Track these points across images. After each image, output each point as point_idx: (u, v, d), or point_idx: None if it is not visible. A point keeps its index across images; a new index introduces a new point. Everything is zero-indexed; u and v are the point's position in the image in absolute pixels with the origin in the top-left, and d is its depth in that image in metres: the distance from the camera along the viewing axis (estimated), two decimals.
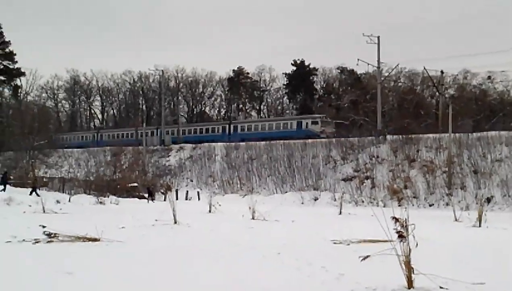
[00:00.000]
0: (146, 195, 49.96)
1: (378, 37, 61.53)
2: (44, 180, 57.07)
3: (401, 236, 8.46)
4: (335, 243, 15.00)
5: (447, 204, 45.02)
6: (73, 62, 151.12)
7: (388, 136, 58.61)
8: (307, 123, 70.25)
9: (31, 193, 40.33)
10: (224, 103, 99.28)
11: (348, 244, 14.66)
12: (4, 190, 41.65)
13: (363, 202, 50.25)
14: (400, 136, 56.99)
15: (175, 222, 20.69)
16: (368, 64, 64.18)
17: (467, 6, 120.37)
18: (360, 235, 15.69)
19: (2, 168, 62.61)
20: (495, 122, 61.12)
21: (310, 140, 62.81)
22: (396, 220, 8.63)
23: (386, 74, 68.56)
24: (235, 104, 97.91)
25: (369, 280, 8.96)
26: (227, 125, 77.21)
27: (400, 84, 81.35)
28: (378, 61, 62.68)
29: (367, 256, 9.14)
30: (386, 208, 10.39)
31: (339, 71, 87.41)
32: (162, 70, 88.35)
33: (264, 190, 59.16)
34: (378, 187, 52.28)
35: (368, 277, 9.19)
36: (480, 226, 23.01)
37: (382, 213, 8.95)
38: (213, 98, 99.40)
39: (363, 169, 55.62)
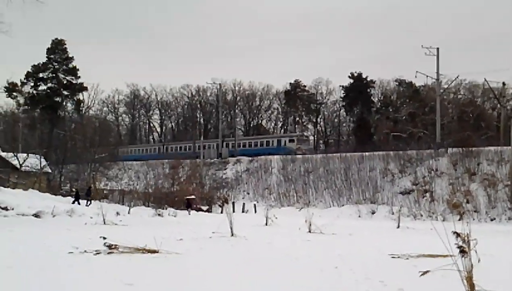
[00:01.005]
0: (187, 207, 49.76)
1: (437, 49, 60.64)
2: (105, 192, 58.25)
3: (463, 251, 8.25)
4: (393, 257, 14.76)
5: (510, 218, 43.89)
6: (133, 77, 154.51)
7: (448, 149, 57.52)
8: (285, 141, 72.77)
9: (73, 202, 41.29)
10: (280, 116, 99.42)
11: (407, 258, 14.40)
12: (89, 204, 42.77)
13: (421, 216, 49.39)
14: (460, 149, 55.86)
15: (232, 235, 20.76)
16: (427, 76, 63.34)
17: None
18: (419, 249, 15.40)
19: (65, 180, 64.29)
20: None
21: (367, 153, 62.23)
22: (457, 234, 8.43)
23: (445, 86, 67.40)
24: (292, 117, 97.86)
25: None
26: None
27: (460, 96, 79.78)
28: (437, 73, 61.73)
29: (427, 271, 8.93)
30: (446, 222, 10.14)
31: (397, 83, 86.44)
32: (220, 84, 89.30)
33: (321, 203, 58.89)
34: (437, 201, 51.30)
35: None
36: None
37: (441, 227, 8.74)
38: (269, 111, 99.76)
39: (422, 182, 54.71)
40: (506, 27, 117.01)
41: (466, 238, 8.34)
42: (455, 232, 8.49)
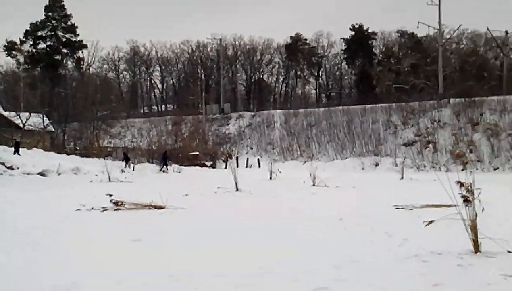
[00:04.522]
0: (123, 161, 43.14)
1: None
2: (108, 149, 58.43)
3: (466, 200, 8.33)
4: (397, 208, 14.91)
5: None
6: (133, 33, 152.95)
7: (450, 100, 57.39)
8: None
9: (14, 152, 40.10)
10: (282, 70, 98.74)
11: (411, 209, 14.55)
12: (166, 169, 42.12)
13: (425, 167, 49.65)
14: (463, 99, 55.79)
15: (237, 189, 20.95)
16: (429, 26, 62.80)
17: None
18: (423, 200, 15.53)
19: (69, 138, 64.41)
20: None
21: (369, 105, 62.11)
22: (461, 184, 8.49)
23: (448, 36, 66.79)
24: (293, 71, 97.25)
25: (434, 245, 8.87)
26: None
27: (462, 46, 79.05)
28: (439, 23, 61.18)
29: (432, 221, 9.01)
30: (449, 173, 10.21)
31: (398, 34, 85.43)
32: (220, 39, 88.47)
33: (324, 156, 59.11)
34: (440, 152, 51.48)
35: (432, 242, 9.10)
36: None
37: (445, 177, 8.80)
38: (271, 66, 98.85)
39: (425, 133, 54.81)
40: None
41: (469, 187, 8.41)
42: (458, 182, 8.56)
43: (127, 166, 40.41)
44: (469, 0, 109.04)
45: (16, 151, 39.28)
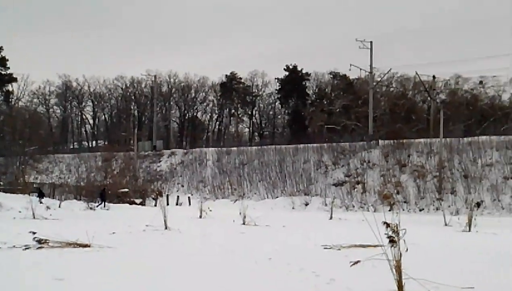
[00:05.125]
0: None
1: (371, 42, 61.87)
2: (34, 185, 56.77)
3: (392, 241, 8.47)
4: (326, 248, 15.01)
5: (437, 209, 45.30)
6: (66, 68, 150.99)
7: (380, 141, 58.79)
8: None
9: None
10: (216, 108, 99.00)
11: (339, 249, 14.67)
12: (103, 206, 41.21)
13: (353, 206, 50.40)
14: (392, 141, 57.19)
15: (166, 228, 20.66)
16: (361, 69, 64.57)
17: (459, 13, 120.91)
18: (351, 240, 15.72)
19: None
20: (486, 127, 61.47)
21: (301, 145, 62.86)
22: (387, 225, 8.64)
23: (378, 79, 68.81)
24: (227, 110, 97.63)
25: (359, 285, 8.96)
26: None
27: (392, 89, 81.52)
28: (371, 66, 63.00)
29: (358, 261, 9.15)
30: (377, 213, 10.38)
31: (331, 76, 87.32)
32: (155, 76, 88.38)
33: (255, 195, 59.20)
34: (369, 192, 52.43)
35: (359, 282, 9.19)
36: (469, 230, 23.16)
37: (372, 218, 8.94)
38: (205, 104, 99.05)
39: (354, 173, 55.78)
40: (436, 21, 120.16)
41: (395, 228, 8.56)
42: (385, 222, 8.71)
43: (40, 201, 39.02)
44: (399, 45, 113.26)
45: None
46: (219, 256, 13.35)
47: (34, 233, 15.28)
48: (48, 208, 33.99)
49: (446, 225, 27.49)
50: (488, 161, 49.58)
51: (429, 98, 68.16)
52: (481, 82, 75.33)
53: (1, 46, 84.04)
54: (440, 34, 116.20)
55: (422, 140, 56.32)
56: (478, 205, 43.64)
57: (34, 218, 26.01)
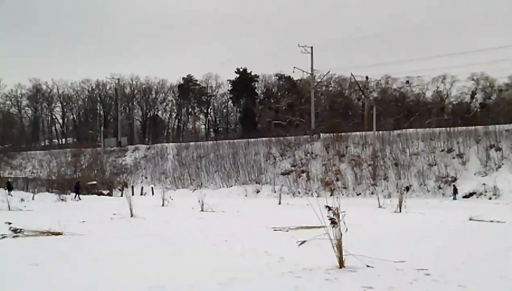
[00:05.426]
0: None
1: (312, 48, 62.20)
2: (9, 180, 55.33)
3: (333, 222, 8.59)
4: (275, 230, 15.09)
5: (372, 193, 45.95)
6: (35, 72, 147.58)
7: (321, 135, 59.35)
8: None
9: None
10: (175, 108, 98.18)
11: (287, 231, 14.77)
12: (78, 197, 40.43)
13: (299, 193, 50.74)
14: (332, 134, 57.77)
15: (132, 216, 20.41)
16: (303, 71, 64.91)
17: (387, 23, 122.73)
18: (298, 222, 15.82)
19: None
20: (412, 121, 62.79)
21: (252, 139, 62.95)
22: (329, 208, 8.75)
23: (319, 80, 69.29)
24: (185, 108, 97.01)
25: (306, 262, 9.06)
26: None
27: (331, 89, 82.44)
28: (312, 68, 63.40)
29: (304, 241, 9.25)
30: (320, 198, 10.49)
31: (277, 78, 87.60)
32: (118, 79, 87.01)
33: (212, 185, 59.06)
34: (312, 180, 52.90)
35: (305, 259, 9.28)
36: (400, 211, 23.60)
37: (316, 202, 9.03)
38: (165, 104, 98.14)
39: (299, 164, 56.18)
40: (367, 30, 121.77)
41: (336, 211, 8.68)
42: (327, 206, 8.82)
43: (9, 194, 37.85)
44: (337, 49, 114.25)
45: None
46: (180, 240, 13.28)
47: (10, 223, 14.99)
48: (22, 200, 33.16)
49: (380, 207, 27.97)
50: (415, 150, 50.61)
51: (363, 96, 69.02)
52: (407, 81, 76.85)
53: None
54: (371, 40, 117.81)
55: (358, 133, 57.07)
56: (407, 188, 44.54)
57: (9, 209, 25.32)
